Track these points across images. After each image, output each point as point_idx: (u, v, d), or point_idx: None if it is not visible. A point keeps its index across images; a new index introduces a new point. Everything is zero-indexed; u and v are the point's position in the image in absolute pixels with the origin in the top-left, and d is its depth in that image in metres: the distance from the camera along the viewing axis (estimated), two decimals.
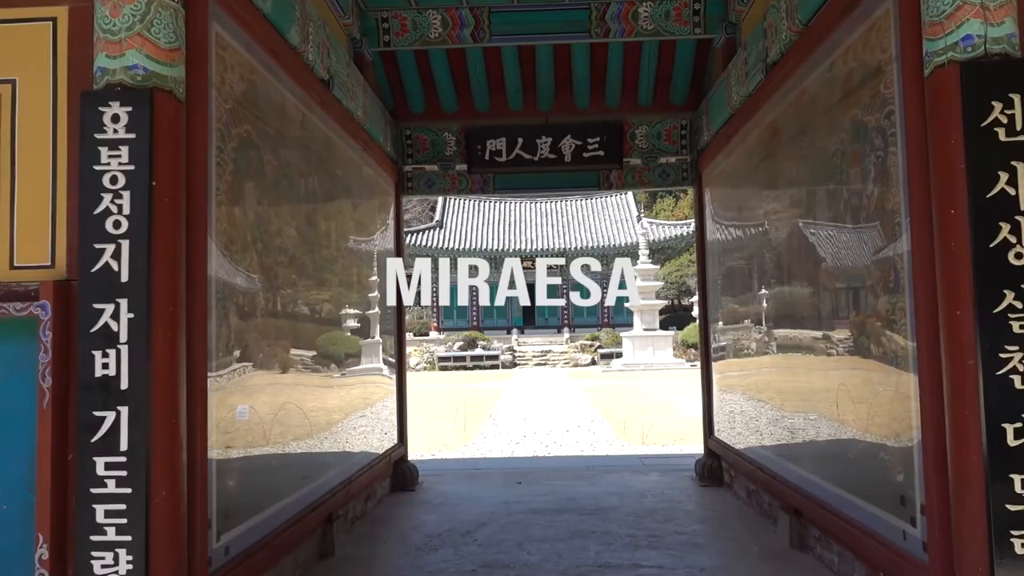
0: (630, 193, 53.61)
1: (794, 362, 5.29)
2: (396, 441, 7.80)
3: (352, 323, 6.29)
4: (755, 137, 6.00)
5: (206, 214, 3.45)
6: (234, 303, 3.80)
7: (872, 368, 3.91)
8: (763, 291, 6.00)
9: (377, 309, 7.43)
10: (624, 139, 7.98)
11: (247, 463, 3.95)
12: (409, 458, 8.79)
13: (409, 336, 46.32)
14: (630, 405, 17.14)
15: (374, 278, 7.33)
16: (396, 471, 7.79)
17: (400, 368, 7.96)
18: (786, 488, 5.34)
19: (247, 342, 3.97)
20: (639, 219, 47.24)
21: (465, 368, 36.79)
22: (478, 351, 38.81)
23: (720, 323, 7.44)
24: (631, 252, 45.48)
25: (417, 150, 8.11)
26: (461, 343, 40.38)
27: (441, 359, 37.90)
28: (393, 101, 7.91)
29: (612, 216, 51.04)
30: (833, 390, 4.44)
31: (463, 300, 48.84)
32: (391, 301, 7.57)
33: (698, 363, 30.72)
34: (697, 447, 10.63)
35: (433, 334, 47.15)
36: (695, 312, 44.37)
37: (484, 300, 48.75)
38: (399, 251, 8.02)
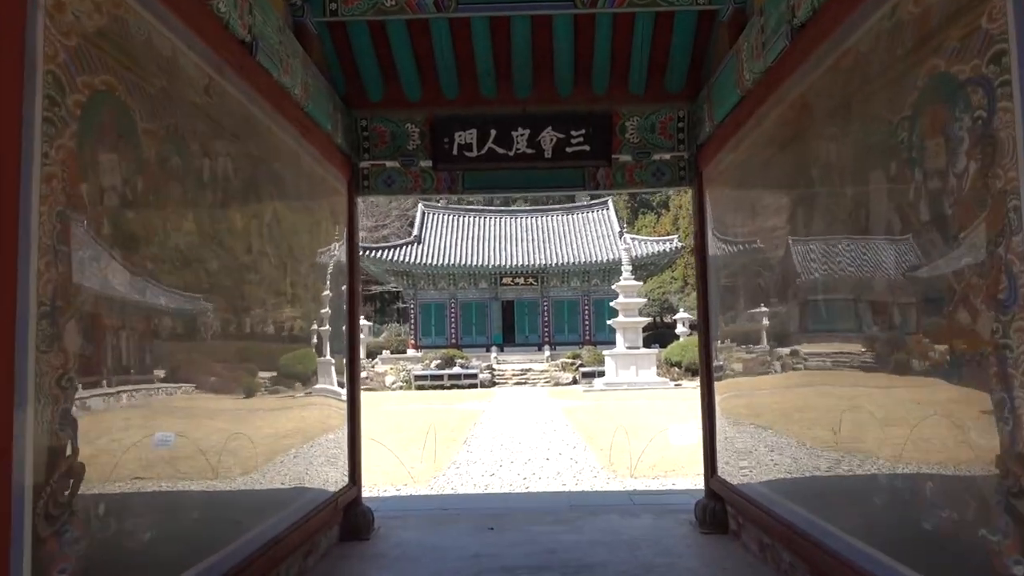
0: (611, 208, 52.88)
1: (836, 395, 4.24)
2: (347, 481, 6.65)
3: (283, 340, 5.17)
4: (774, 119, 4.98)
5: (16, 185, 2.35)
6: (83, 311, 2.70)
7: (966, 411, 2.86)
8: (784, 305, 4.96)
9: (328, 326, 6.33)
10: (613, 132, 6.95)
11: (100, 524, 2.83)
12: (365, 498, 7.66)
13: (385, 354, 45.19)
14: (615, 430, 16.02)
15: (325, 292, 6.23)
16: (347, 517, 6.65)
17: (352, 394, 6.83)
18: (822, 553, 4.26)
19: (103, 359, 2.87)
20: (621, 235, 46.35)
21: (442, 387, 35.57)
22: (456, 370, 37.59)
23: (726, 342, 6.39)
24: (613, 268, 44.59)
25: (375, 143, 7.02)
26: (439, 361, 39.17)
27: (418, 378, 36.68)
28: (346, 86, 6.83)
29: (593, 232, 50.18)
30: (901, 435, 3.38)
31: (440, 317, 47.74)
32: (334, 320, 6.47)
33: (683, 383, 29.72)
34: (692, 481, 9.57)
35: (410, 351, 45.90)
36: (679, 330, 43.61)
37: (462, 317, 47.64)
38: (352, 260, 6.92)
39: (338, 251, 6.63)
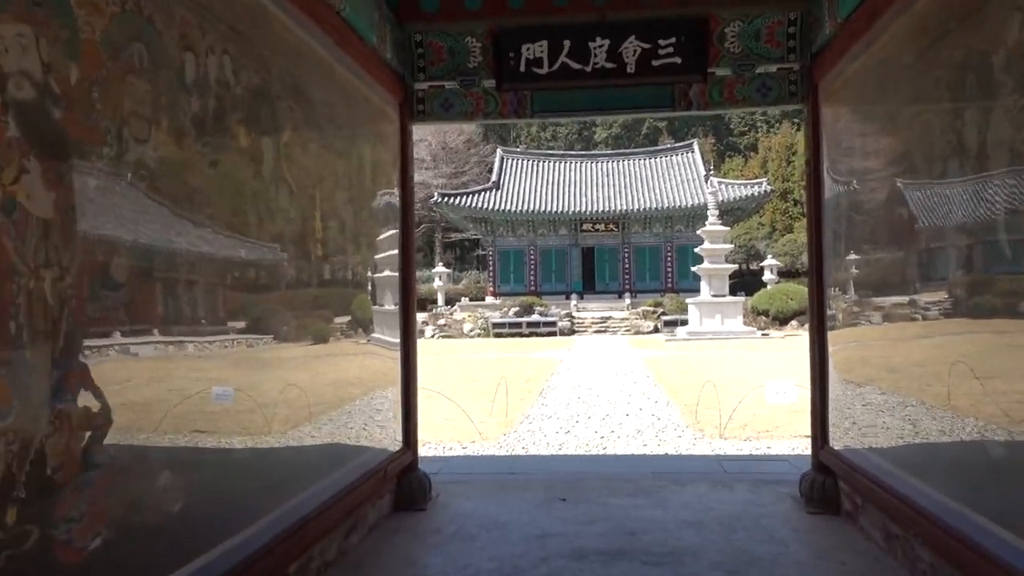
0: (697, 151, 50.75)
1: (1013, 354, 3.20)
2: (400, 445, 5.93)
3: (316, 285, 4.40)
4: (926, 5, 3.84)
5: None
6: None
7: None
8: (939, 244, 3.89)
9: (384, 271, 5.57)
10: (709, 40, 5.84)
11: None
12: (428, 458, 6.99)
13: (464, 301, 44.79)
14: (702, 384, 15.01)
15: (377, 232, 5.44)
16: (400, 484, 5.94)
17: (407, 348, 6.05)
18: (988, 564, 3.27)
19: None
20: (707, 178, 44.42)
21: (521, 335, 34.99)
22: (535, 317, 36.92)
23: (848, 290, 5.33)
24: (697, 214, 42.81)
25: (431, 61, 6.10)
26: (517, 309, 38.53)
27: (496, 326, 36.15)
28: None
29: (677, 176, 48.34)
30: None
31: (519, 264, 47.03)
32: (390, 264, 5.67)
33: (771, 332, 28.33)
34: (790, 445, 8.56)
35: (489, 299, 45.42)
36: (766, 277, 41.74)
37: (541, 264, 46.81)
38: (406, 197, 6.08)
39: (390, 185, 5.80)
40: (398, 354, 5.98)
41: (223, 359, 3.34)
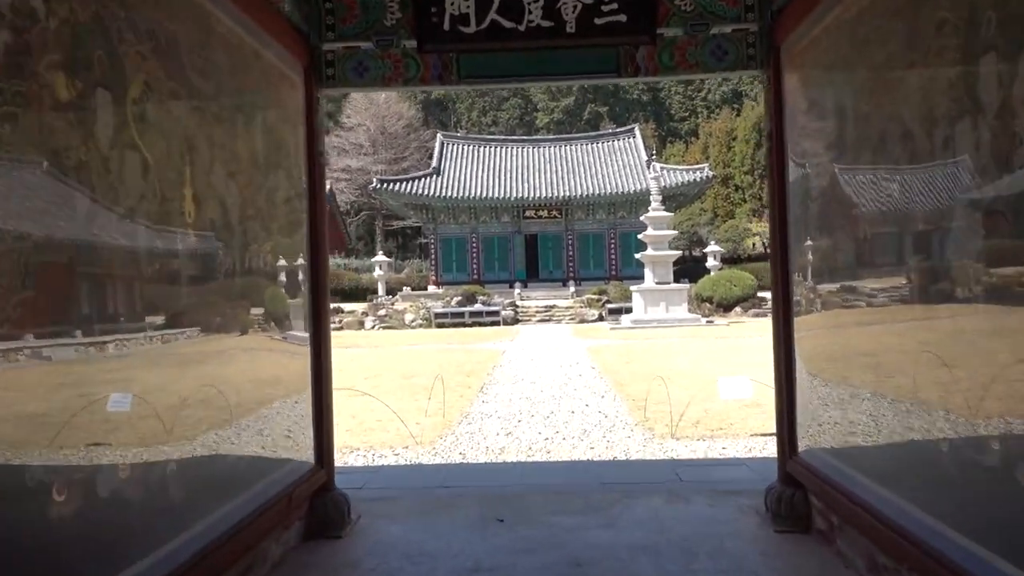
0: (639, 136, 50.45)
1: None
2: (312, 463, 5.11)
3: (185, 275, 3.56)
4: None
5: None
6: None
7: None
8: (933, 221, 3.24)
9: (281, 261, 4.74)
10: None
11: None
12: (349, 469, 6.22)
13: (406, 291, 43.75)
14: (648, 374, 14.46)
15: (283, 215, 4.61)
16: (313, 508, 5.12)
17: (318, 348, 5.21)
18: None
19: None
20: (649, 164, 44.17)
21: (464, 325, 34.21)
22: (477, 307, 36.18)
23: (819, 276, 4.69)
24: (640, 200, 42.48)
25: (341, 18, 5.25)
26: (459, 298, 37.72)
27: (437, 315, 35.29)
28: None
29: (620, 161, 48.03)
30: None
31: (462, 252, 46.18)
32: (291, 252, 4.83)
33: (716, 319, 28.02)
34: (745, 445, 8.00)
35: (431, 288, 44.48)
36: (709, 263, 41.59)
37: (484, 252, 46.03)
38: (316, 175, 5.23)
39: (293, 161, 4.95)
40: (308, 357, 5.15)
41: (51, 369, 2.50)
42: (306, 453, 5.06)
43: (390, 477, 6.92)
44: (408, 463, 7.84)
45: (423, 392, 12.03)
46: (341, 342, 26.97)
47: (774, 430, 7.28)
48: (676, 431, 8.79)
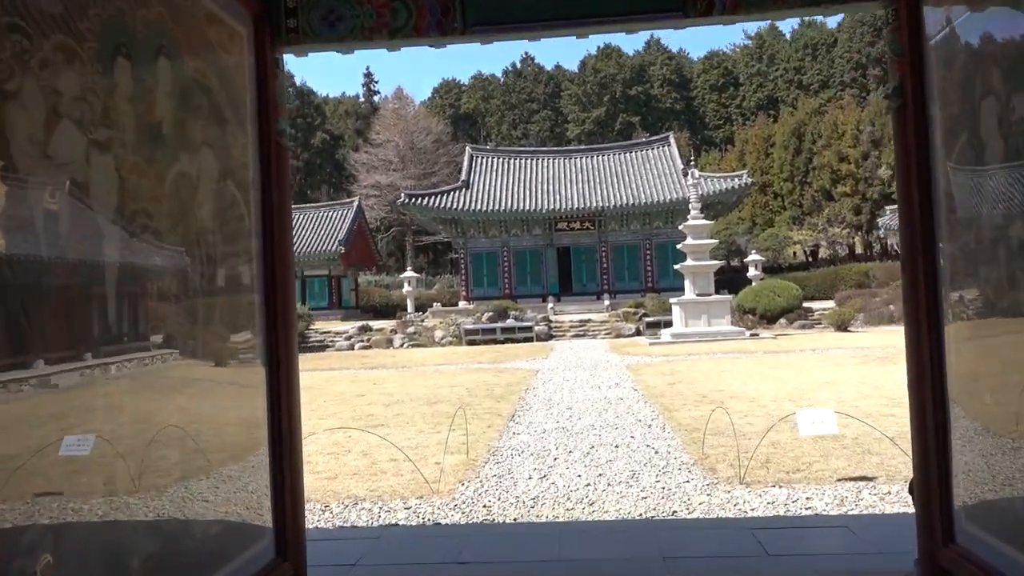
0: (673, 144, 48.83)
1: None
2: (271, 555, 3.72)
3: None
4: None
5: None
6: None
7: None
8: None
9: (218, 270, 3.39)
10: None
11: None
12: (347, 531, 4.87)
13: (436, 307, 42.46)
14: (697, 397, 12.95)
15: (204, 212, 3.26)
16: None
17: (276, 389, 3.81)
18: None
19: None
20: (686, 172, 42.58)
21: (496, 342, 32.84)
22: (509, 323, 34.80)
23: (986, 283, 3.22)
24: (676, 209, 40.91)
25: None
26: (491, 313, 36.36)
27: (468, 332, 33.97)
28: None
29: (654, 170, 46.52)
30: None
31: (493, 267, 44.91)
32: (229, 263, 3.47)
33: (760, 332, 26.02)
34: (837, 494, 6.48)
35: (462, 304, 43.20)
36: (751, 273, 39.83)
37: (516, 266, 44.70)
38: (272, 164, 3.87)
39: (238, 143, 3.60)
40: (266, 404, 3.76)
41: None
42: (263, 534, 3.68)
43: (394, 546, 5.52)
44: (420, 523, 6.43)
45: (448, 421, 10.64)
46: (367, 362, 25.80)
47: (865, 472, 5.81)
48: (745, 476, 7.29)
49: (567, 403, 13.43)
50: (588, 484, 7.49)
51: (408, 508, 6.87)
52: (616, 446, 9.33)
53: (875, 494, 6.52)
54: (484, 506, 6.87)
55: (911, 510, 5.91)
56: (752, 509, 6.32)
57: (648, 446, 9.21)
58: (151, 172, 2.76)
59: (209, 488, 3.19)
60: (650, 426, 10.64)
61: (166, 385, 2.95)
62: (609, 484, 7.46)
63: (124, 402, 2.63)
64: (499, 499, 7.09)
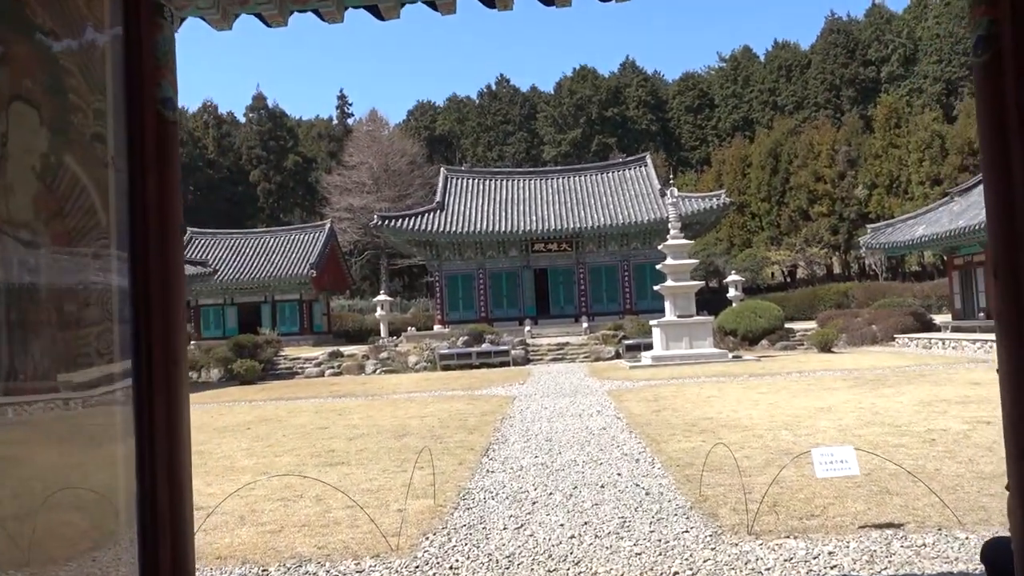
0: (650, 165, 48.27)
1: None
2: None
3: None
4: None
5: None
6: None
7: None
8: None
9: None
10: None
11: None
12: None
13: (411, 331, 41.30)
14: (685, 426, 11.97)
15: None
16: None
17: (151, 458, 2.80)
18: None
19: None
20: (663, 192, 42.01)
21: (471, 367, 31.79)
22: (485, 347, 33.76)
23: None
24: (654, 230, 40.21)
25: None
26: (466, 338, 35.28)
27: (443, 357, 32.85)
28: None
29: (631, 191, 45.89)
30: None
31: (468, 289, 43.90)
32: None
33: (743, 354, 25.14)
34: (864, 547, 5.50)
35: (437, 328, 42.05)
36: (730, 294, 39.14)
37: (492, 289, 43.71)
38: (149, 143, 2.89)
39: (87, 111, 2.62)
40: (133, 458, 2.74)
41: None
42: None
43: None
44: None
45: (415, 458, 9.58)
46: (335, 390, 24.58)
47: (890, 517, 4.93)
48: (752, 525, 6.31)
49: (546, 434, 12.40)
50: (572, 536, 6.47)
51: (360, 572, 5.81)
52: (602, 486, 8.32)
53: (908, 546, 5.55)
54: (451, 568, 5.82)
55: (961, 568, 4.95)
56: (767, 569, 5.34)
57: (637, 485, 8.21)
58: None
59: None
60: (638, 461, 9.64)
61: None
62: (596, 536, 6.45)
63: None
64: (468, 557, 6.05)
